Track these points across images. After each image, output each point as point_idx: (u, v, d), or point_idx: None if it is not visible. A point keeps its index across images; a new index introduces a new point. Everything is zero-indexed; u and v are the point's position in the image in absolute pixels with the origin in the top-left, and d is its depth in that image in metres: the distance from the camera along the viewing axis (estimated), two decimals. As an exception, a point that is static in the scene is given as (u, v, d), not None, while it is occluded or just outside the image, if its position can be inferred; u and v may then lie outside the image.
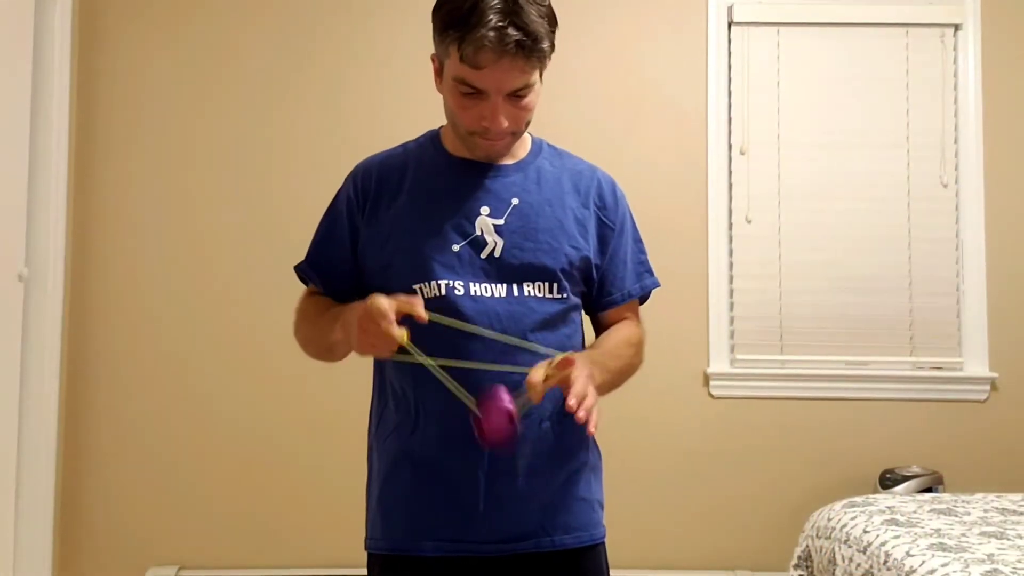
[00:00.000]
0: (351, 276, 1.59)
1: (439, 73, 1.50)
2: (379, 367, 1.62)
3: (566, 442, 1.54)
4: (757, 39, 3.52)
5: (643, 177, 3.41)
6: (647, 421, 3.37)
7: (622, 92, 3.45)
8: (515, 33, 1.37)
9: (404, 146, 1.63)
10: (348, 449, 3.29)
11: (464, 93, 1.44)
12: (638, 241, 1.68)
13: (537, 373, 1.33)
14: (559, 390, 1.43)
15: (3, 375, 3.02)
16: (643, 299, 1.70)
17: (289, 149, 3.44)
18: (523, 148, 1.60)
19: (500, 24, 1.36)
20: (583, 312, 1.63)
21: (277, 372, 3.37)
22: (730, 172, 3.48)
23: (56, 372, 3.26)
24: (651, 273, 1.69)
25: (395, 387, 1.56)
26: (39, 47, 3.19)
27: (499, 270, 1.50)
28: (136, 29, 3.45)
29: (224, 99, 3.45)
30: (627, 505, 3.35)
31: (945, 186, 3.49)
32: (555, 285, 1.52)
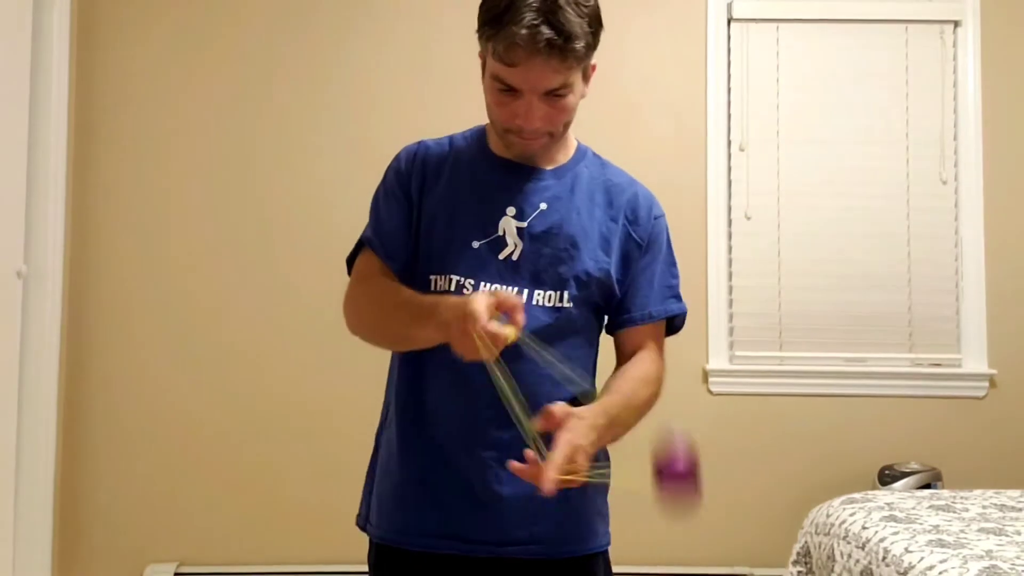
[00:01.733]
0: (410, 251, 1.55)
1: (483, 69, 1.49)
2: (394, 354, 1.61)
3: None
4: (756, 35, 3.52)
5: (642, 174, 3.35)
6: (646, 418, 3.36)
7: (621, 88, 3.45)
8: (548, 32, 1.36)
9: (451, 137, 1.62)
10: (346, 446, 3.28)
11: (500, 90, 1.44)
12: (672, 265, 1.63)
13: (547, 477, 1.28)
14: (563, 394, 1.46)
15: (2, 372, 3.01)
16: (672, 329, 1.64)
17: (290, 147, 3.43)
18: (565, 154, 1.59)
19: (534, 22, 1.36)
20: (601, 330, 1.61)
21: (276, 369, 3.37)
22: (729, 169, 3.48)
23: (55, 369, 3.26)
24: (679, 299, 1.63)
25: (404, 379, 1.56)
26: (37, 44, 3.18)
27: (514, 273, 1.49)
28: (135, 27, 3.44)
29: (223, 97, 3.44)
30: (625, 502, 3.35)
31: (944, 183, 3.49)
32: (564, 294, 1.50)
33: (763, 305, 3.47)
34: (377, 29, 3.46)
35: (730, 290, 3.47)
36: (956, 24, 3.50)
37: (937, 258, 3.47)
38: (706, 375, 3.41)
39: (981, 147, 3.46)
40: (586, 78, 1.50)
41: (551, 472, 1.27)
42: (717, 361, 3.42)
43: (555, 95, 1.43)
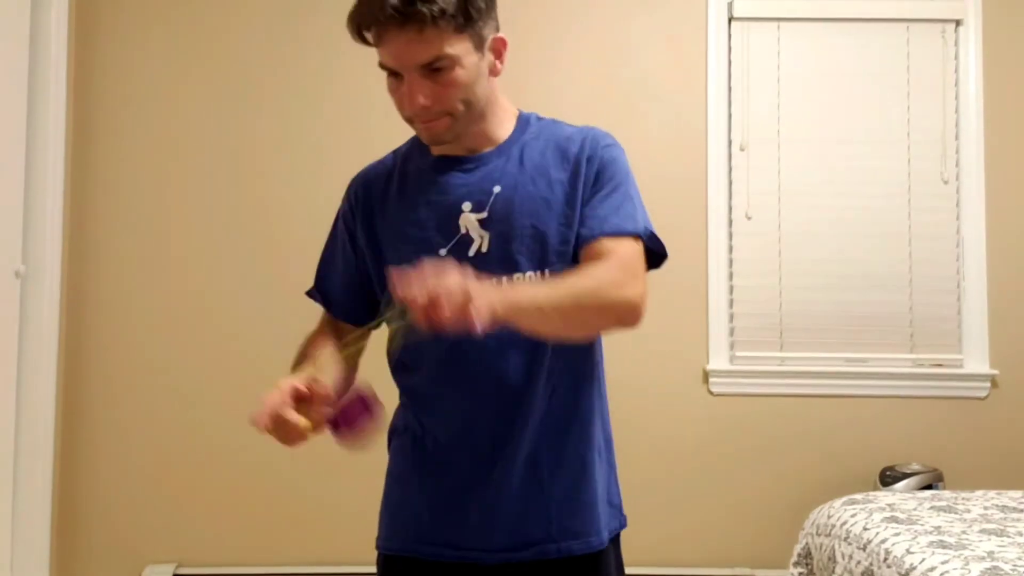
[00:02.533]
0: (357, 293, 1.57)
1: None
2: (396, 367, 1.57)
3: (569, 448, 1.48)
4: (757, 34, 3.51)
5: (642, 173, 3.35)
6: (646, 418, 3.36)
7: (622, 88, 3.44)
8: (394, 1, 1.30)
9: (394, 152, 1.59)
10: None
11: (388, 77, 1.42)
12: (631, 188, 1.53)
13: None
14: (570, 404, 1.46)
15: (0, 373, 3.01)
16: (654, 259, 1.51)
17: (287, 147, 3.43)
18: (505, 129, 1.51)
19: None
20: None
21: (274, 369, 3.34)
22: (730, 168, 3.47)
23: (53, 369, 3.25)
24: (642, 221, 1.49)
25: (406, 390, 1.55)
26: (35, 44, 3.18)
27: (487, 266, 1.41)
28: (132, 26, 3.44)
29: (221, 96, 3.44)
30: (626, 503, 3.34)
31: (946, 182, 3.48)
32: (546, 272, 1.44)
33: (764, 305, 3.46)
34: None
35: (730, 290, 3.46)
36: (957, 23, 3.49)
37: (938, 258, 3.46)
38: (706, 375, 3.40)
39: (983, 146, 3.45)
40: (495, 53, 1.44)
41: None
42: (717, 361, 3.41)
43: (434, 69, 1.36)
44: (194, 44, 3.45)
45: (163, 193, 3.41)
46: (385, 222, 1.52)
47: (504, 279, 1.42)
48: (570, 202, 1.46)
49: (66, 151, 3.33)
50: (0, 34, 2.98)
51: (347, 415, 1.35)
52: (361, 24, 1.36)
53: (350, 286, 1.57)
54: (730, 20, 3.50)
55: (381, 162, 1.59)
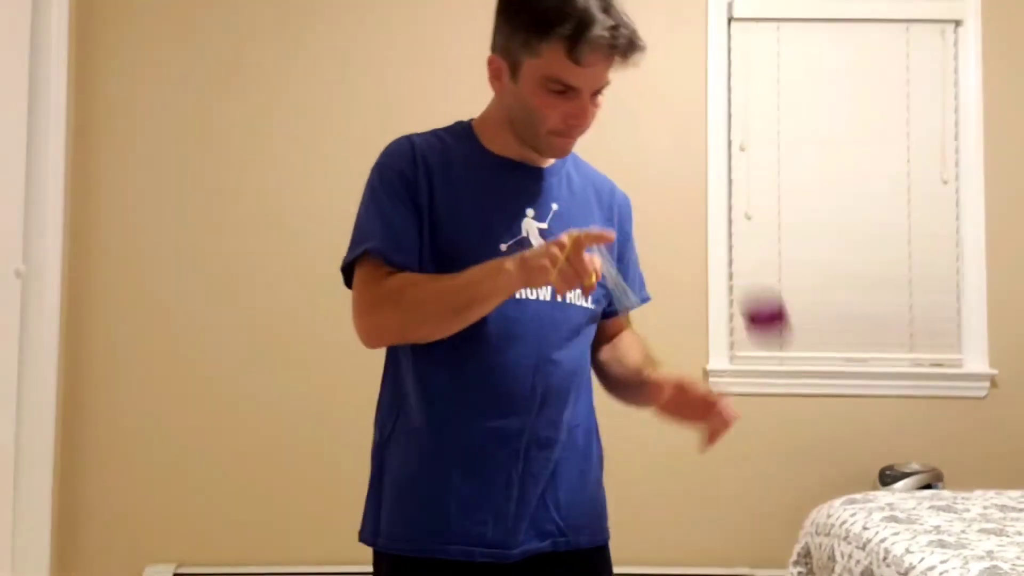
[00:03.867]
0: (420, 254, 1.48)
1: (510, 74, 1.46)
2: (396, 357, 1.55)
3: (592, 449, 1.62)
4: (757, 35, 3.52)
5: (642, 173, 3.40)
6: (646, 417, 3.35)
7: (621, 88, 3.39)
8: (626, 32, 1.41)
9: (435, 133, 1.56)
10: (345, 445, 3.28)
11: (553, 91, 1.43)
12: (636, 256, 1.73)
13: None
14: (586, 407, 1.57)
15: (1, 372, 3.02)
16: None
17: (288, 144, 3.43)
18: None
19: (611, 23, 1.39)
20: None
21: (275, 368, 3.37)
22: (730, 168, 3.48)
23: (54, 369, 3.25)
24: (644, 286, 1.74)
25: (423, 382, 1.50)
26: (36, 43, 3.18)
27: None
28: (133, 25, 3.44)
29: (222, 94, 3.44)
30: (625, 502, 3.34)
31: (945, 182, 3.48)
32: (587, 295, 1.53)
33: (763, 305, 3.46)
34: (383, 27, 3.46)
35: (730, 290, 3.46)
36: (957, 23, 3.50)
37: (938, 258, 3.47)
38: (707, 375, 3.41)
39: (982, 147, 3.45)
40: None
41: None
42: (717, 361, 3.41)
43: (599, 93, 1.48)
44: (195, 44, 3.45)
45: (163, 192, 3.42)
46: (446, 197, 1.49)
47: (557, 293, 1.48)
48: (608, 245, 1.52)
49: (66, 150, 3.33)
50: (1, 34, 2.98)
51: (766, 315, 1.53)
52: (583, 48, 1.38)
53: (415, 246, 1.47)
54: (730, 20, 3.51)
55: (428, 140, 1.54)
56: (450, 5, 3.45)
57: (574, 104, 1.44)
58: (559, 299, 1.49)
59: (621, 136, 3.43)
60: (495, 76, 1.49)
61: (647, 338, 1.71)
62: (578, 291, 1.47)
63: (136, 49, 3.44)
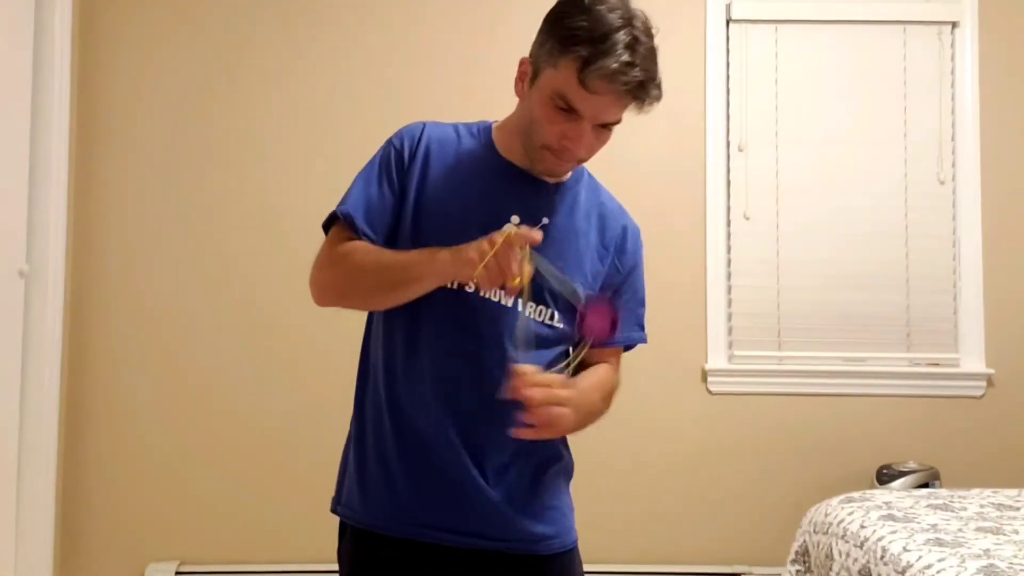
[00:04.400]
0: (390, 232, 1.53)
1: (531, 78, 1.48)
2: (368, 331, 1.62)
3: (538, 451, 1.55)
4: (755, 36, 3.53)
5: (641, 174, 3.42)
6: (645, 417, 3.38)
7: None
8: (639, 74, 1.39)
9: (456, 127, 1.60)
10: (348, 445, 3.30)
11: (558, 107, 1.44)
12: (642, 297, 1.68)
13: (528, 371, 1.36)
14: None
15: (4, 372, 3.02)
16: (627, 348, 1.69)
17: (289, 144, 3.44)
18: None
19: (628, 60, 1.38)
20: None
21: (276, 368, 3.38)
22: (728, 169, 3.49)
23: (57, 368, 3.26)
24: (643, 328, 1.69)
25: (386, 365, 1.55)
26: (39, 43, 3.18)
27: None
28: (136, 24, 3.44)
29: (225, 94, 3.45)
30: (625, 501, 3.36)
31: (942, 183, 3.50)
32: (554, 314, 1.53)
33: (762, 305, 3.48)
34: (384, 27, 3.46)
35: (729, 290, 3.48)
36: (954, 25, 3.51)
37: (935, 258, 3.48)
38: (705, 374, 3.42)
39: (979, 148, 3.47)
40: None
41: (531, 379, 1.34)
42: (716, 360, 3.43)
43: (605, 128, 1.47)
44: (197, 44, 3.45)
45: (167, 193, 3.42)
46: (438, 191, 1.53)
47: (518, 303, 1.49)
48: (595, 271, 1.57)
49: (70, 150, 3.33)
50: (4, 34, 2.98)
51: (595, 318, 1.45)
52: (593, 73, 1.39)
53: (385, 220, 1.53)
54: (728, 22, 3.52)
55: (443, 129, 1.59)
56: (450, 6, 3.46)
57: (574, 127, 1.44)
58: (519, 308, 1.50)
59: (620, 137, 3.42)
60: (520, 78, 1.51)
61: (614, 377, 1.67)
62: (541, 308, 1.51)
63: (139, 50, 3.44)
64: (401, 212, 1.53)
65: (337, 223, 1.55)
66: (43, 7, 3.19)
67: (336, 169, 3.41)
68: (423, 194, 1.53)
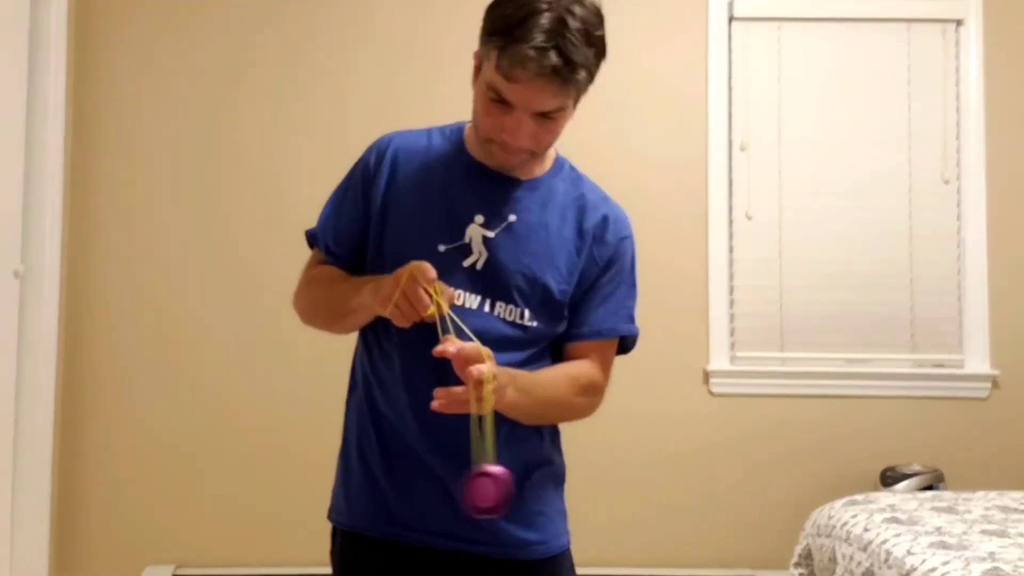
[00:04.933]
0: (358, 248, 1.55)
1: (477, 71, 1.47)
2: (360, 336, 1.61)
3: (523, 456, 1.51)
4: (758, 34, 3.51)
5: (643, 173, 3.40)
6: (647, 418, 3.36)
7: (622, 88, 3.43)
8: (555, 58, 1.34)
9: (430, 132, 1.59)
10: (346, 447, 3.28)
11: (492, 99, 1.42)
12: (631, 287, 1.59)
13: (448, 346, 1.32)
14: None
15: (0, 373, 3.01)
16: (622, 350, 1.61)
17: (287, 145, 3.42)
18: (542, 166, 1.56)
19: (544, 45, 1.34)
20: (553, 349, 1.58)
21: (274, 368, 3.36)
22: (730, 168, 3.47)
23: (52, 369, 3.25)
24: (632, 321, 1.59)
25: (367, 373, 1.55)
26: (35, 44, 3.18)
27: (476, 282, 1.47)
28: (132, 26, 3.43)
29: (220, 96, 3.43)
30: (626, 504, 3.34)
31: (946, 182, 3.48)
32: (525, 312, 1.49)
33: (764, 305, 3.46)
34: (383, 28, 3.45)
35: (731, 290, 3.45)
36: (958, 23, 3.49)
37: (939, 258, 3.46)
38: (707, 376, 3.40)
39: (983, 146, 3.45)
40: (577, 102, 1.48)
41: (453, 347, 1.31)
42: (718, 362, 3.40)
43: (546, 117, 1.42)
44: (193, 45, 3.44)
45: (162, 193, 3.41)
46: (402, 198, 1.52)
47: (485, 303, 1.47)
48: (570, 265, 1.52)
49: (65, 151, 3.32)
50: (-1, 34, 2.98)
51: (479, 493, 1.34)
52: (509, 61, 1.36)
53: (352, 238, 1.55)
54: (731, 20, 3.50)
55: (415, 136, 1.58)
56: (450, 8, 3.44)
57: (509, 118, 1.41)
58: (486, 308, 1.47)
59: (622, 136, 3.42)
60: (474, 73, 1.49)
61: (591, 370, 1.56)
62: (511, 307, 1.48)
63: (135, 48, 3.43)
64: (368, 225, 1.53)
65: (314, 244, 1.62)
66: (39, 6, 3.18)
67: (335, 165, 3.40)
68: (388, 204, 1.52)
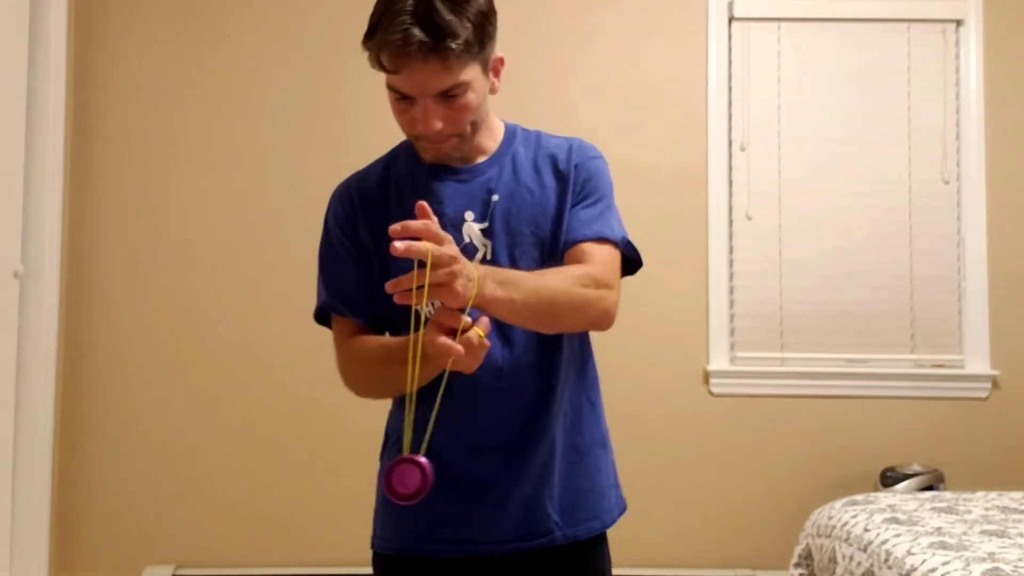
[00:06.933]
0: (371, 296, 1.51)
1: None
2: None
3: (572, 438, 1.52)
4: (758, 34, 3.51)
5: (643, 173, 3.40)
6: (647, 418, 3.36)
7: (622, 88, 3.44)
8: (419, 34, 1.32)
9: (375, 163, 1.59)
10: (345, 447, 3.28)
11: (396, 98, 1.42)
12: (611, 205, 1.54)
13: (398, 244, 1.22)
14: (572, 401, 1.50)
15: (0, 373, 3.01)
16: (628, 272, 1.55)
17: (285, 146, 3.42)
18: (493, 140, 1.55)
19: (404, 25, 1.33)
20: None
21: (273, 369, 3.36)
22: (730, 168, 3.47)
23: (52, 369, 3.24)
24: (622, 231, 1.52)
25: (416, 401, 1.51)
26: (34, 44, 3.18)
27: None
28: (132, 26, 3.43)
29: (220, 96, 3.43)
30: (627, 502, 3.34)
31: (947, 182, 3.48)
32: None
33: (764, 305, 3.46)
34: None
35: (731, 290, 3.45)
36: (958, 23, 3.49)
37: (939, 258, 3.46)
38: (707, 376, 3.40)
39: (983, 146, 3.45)
40: (495, 72, 1.47)
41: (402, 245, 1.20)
42: (718, 362, 3.40)
43: (449, 96, 1.39)
44: (194, 43, 3.44)
45: (162, 193, 3.41)
46: (386, 223, 1.46)
47: None
48: (562, 208, 1.50)
49: (65, 151, 3.32)
50: (-1, 34, 2.97)
51: (402, 477, 1.33)
52: (381, 53, 1.37)
53: (368, 290, 1.52)
54: (730, 20, 3.50)
55: (368, 171, 1.58)
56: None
57: (417, 109, 1.41)
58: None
59: (622, 136, 3.42)
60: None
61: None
62: None
63: (134, 50, 3.43)
64: (370, 265, 1.52)
65: (333, 317, 1.55)
66: (39, 6, 3.18)
67: (333, 170, 3.40)
68: (379, 238, 1.49)
